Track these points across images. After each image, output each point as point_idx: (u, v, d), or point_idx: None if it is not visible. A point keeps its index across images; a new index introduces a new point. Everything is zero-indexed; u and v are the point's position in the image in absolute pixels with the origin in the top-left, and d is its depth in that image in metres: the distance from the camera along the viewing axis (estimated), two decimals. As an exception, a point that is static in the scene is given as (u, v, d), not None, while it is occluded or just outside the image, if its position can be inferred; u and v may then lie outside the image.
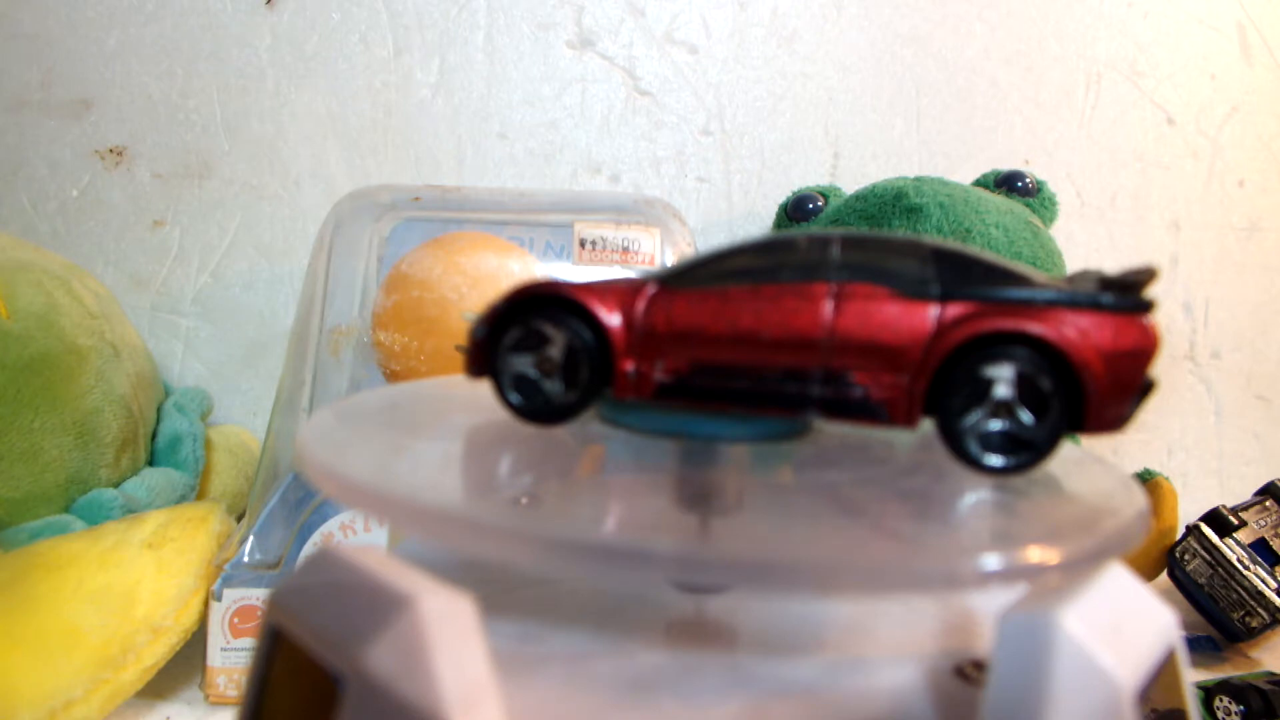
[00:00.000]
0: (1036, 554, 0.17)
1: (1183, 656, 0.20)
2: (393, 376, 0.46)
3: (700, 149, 0.65)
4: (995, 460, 0.21)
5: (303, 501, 0.41)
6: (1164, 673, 0.18)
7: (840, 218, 0.55)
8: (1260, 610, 0.45)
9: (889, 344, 0.21)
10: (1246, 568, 0.46)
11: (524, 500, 0.19)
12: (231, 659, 0.40)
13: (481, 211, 0.50)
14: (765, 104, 0.65)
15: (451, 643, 0.16)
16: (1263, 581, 0.46)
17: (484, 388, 0.24)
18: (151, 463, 0.51)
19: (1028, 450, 0.21)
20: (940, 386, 0.21)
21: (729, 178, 0.65)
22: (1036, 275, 0.22)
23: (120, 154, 0.62)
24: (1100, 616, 0.17)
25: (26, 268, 0.47)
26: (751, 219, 0.66)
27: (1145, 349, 0.21)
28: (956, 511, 0.21)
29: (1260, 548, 0.48)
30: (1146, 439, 0.69)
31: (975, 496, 0.21)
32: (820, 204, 0.57)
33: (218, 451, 0.55)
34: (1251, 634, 0.46)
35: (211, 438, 0.55)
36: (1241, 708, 0.38)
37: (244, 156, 0.63)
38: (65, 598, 0.35)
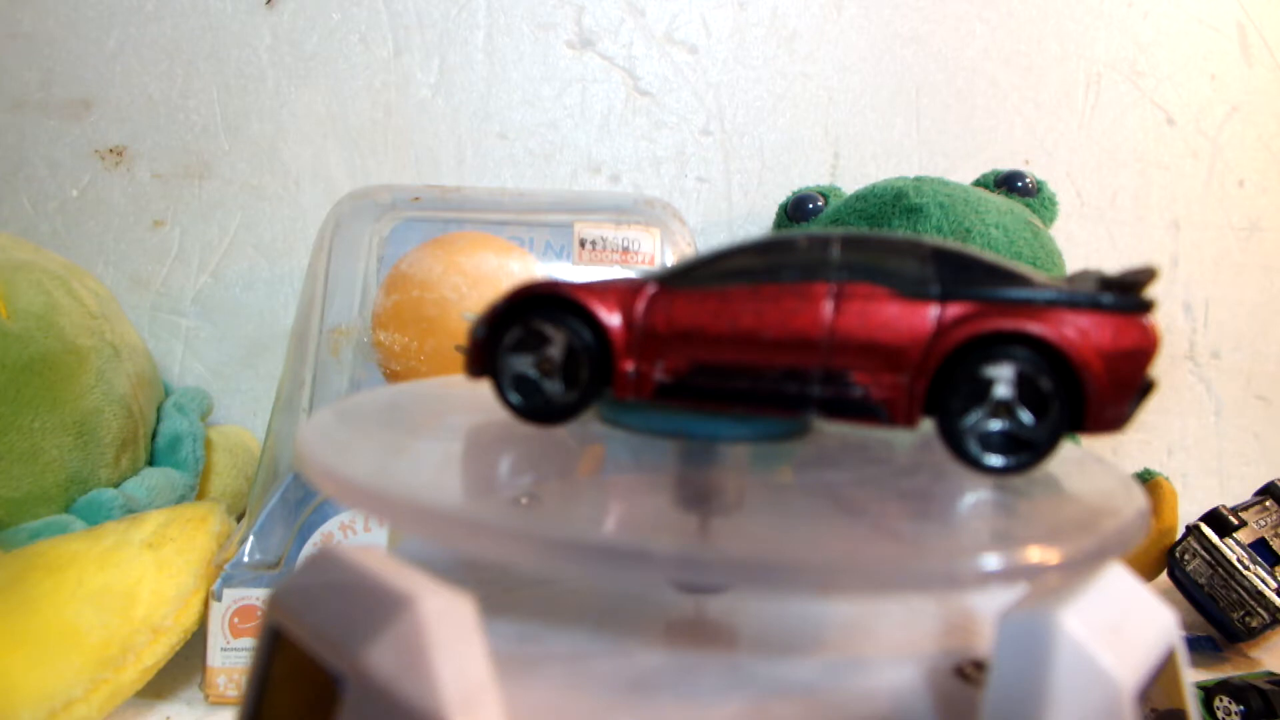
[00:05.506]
0: (1036, 554, 0.17)
1: (1183, 656, 0.20)
2: (393, 376, 0.46)
3: (700, 149, 0.65)
4: (995, 460, 0.21)
5: (303, 501, 0.41)
6: (1164, 673, 0.18)
7: (840, 218, 0.55)
8: (1260, 610, 0.45)
9: (889, 344, 0.21)
10: (1246, 568, 0.46)
11: (524, 500, 0.19)
12: (231, 659, 0.40)
13: (481, 211, 0.50)
14: (765, 104, 0.65)
15: (451, 643, 0.16)
16: (1263, 581, 0.46)
17: (484, 388, 0.24)
18: (151, 463, 0.51)
19: (1028, 450, 0.21)
20: (940, 386, 0.21)
21: (729, 178, 0.65)
22: (1036, 275, 0.22)
23: (120, 154, 0.62)
24: (1100, 616, 0.17)
25: (26, 268, 0.47)
26: (751, 219, 0.66)
27: (1145, 349, 0.21)
28: (956, 511, 0.21)
29: (1260, 548, 0.48)
30: (1146, 439, 0.69)
31: (975, 496, 0.21)
32: (820, 204, 0.57)
33: (218, 451, 0.55)
34: (1251, 634, 0.46)
35: (211, 438, 0.55)
36: (1241, 708, 0.38)
37: (244, 156, 0.63)
38: (65, 598, 0.35)
